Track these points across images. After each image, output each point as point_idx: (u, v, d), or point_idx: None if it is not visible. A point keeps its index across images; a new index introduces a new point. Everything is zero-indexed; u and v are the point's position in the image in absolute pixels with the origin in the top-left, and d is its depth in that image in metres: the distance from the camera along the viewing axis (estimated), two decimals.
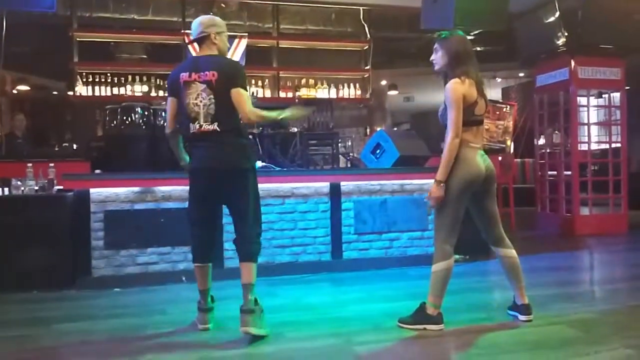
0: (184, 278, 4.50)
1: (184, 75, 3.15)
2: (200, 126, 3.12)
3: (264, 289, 4.30)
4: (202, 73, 3.11)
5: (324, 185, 5.01)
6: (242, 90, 3.11)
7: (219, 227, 3.56)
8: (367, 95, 8.24)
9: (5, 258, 4.34)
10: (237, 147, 3.17)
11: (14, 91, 9.22)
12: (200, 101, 3.10)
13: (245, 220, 3.18)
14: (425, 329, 3.22)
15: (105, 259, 4.51)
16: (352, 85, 8.19)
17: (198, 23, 3.25)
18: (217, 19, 3.31)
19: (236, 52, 7.47)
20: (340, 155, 6.57)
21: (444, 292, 3.28)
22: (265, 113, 3.26)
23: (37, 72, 9.04)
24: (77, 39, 7.27)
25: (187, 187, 3.32)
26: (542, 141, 8.07)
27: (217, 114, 3.10)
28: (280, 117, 3.38)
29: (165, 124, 3.44)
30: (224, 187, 3.16)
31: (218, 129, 3.10)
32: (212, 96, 3.09)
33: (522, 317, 3.38)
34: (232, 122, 3.14)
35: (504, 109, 8.81)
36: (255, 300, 3.14)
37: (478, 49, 9.90)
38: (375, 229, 5.10)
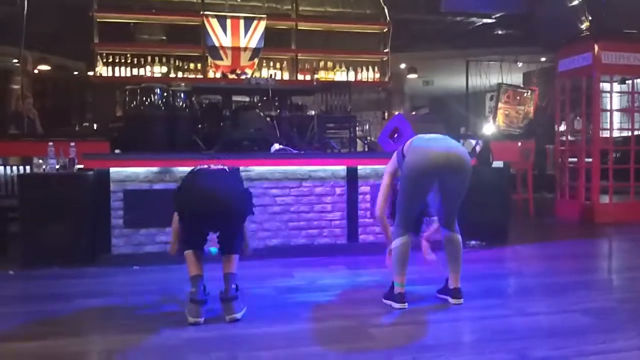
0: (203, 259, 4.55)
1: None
2: None
3: (279, 270, 4.36)
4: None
5: (341, 169, 5.01)
6: None
7: None
8: (386, 79, 8.17)
9: (26, 235, 4.44)
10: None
11: (35, 71, 9.33)
12: None
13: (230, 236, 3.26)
14: (391, 305, 3.35)
15: (125, 237, 4.59)
16: (370, 68, 8.13)
17: None
18: None
19: (255, 34, 7.45)
20: (357, 139, 6.55)
21: (402, 270, 3.37)
22: None
23: (58, 52, 9.13)
24: (98, 20, 7.30)
25: None
26: (563, 127, 7.95)
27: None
28: None
29: None
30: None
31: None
32: None
33: (452, 301, 3.42)
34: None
35: (525, 94, 8.71)
36: (237, 287, 3.18)
37: (499, 32, 9.79)
38: (387, 214, 5.08)
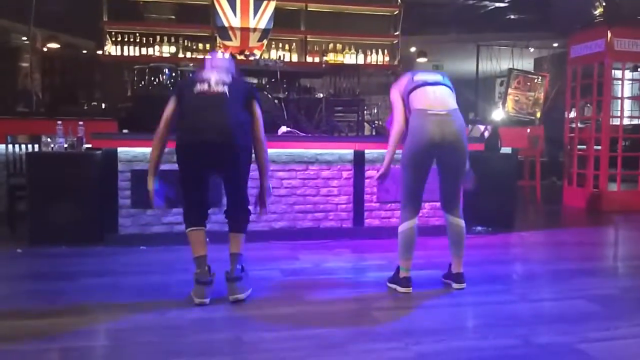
0: (207, 239, 4.57)
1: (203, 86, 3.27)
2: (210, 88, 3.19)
3: (285, 253, 4.38)
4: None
5: (348, 152, 5.00)
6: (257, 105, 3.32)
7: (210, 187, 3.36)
8: (396, 62, 8.11)
9: (35, 213, 4.47)
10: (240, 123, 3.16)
11: (44, 49, 9.32)
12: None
13: (238, 189, 3.23)
14: (396, 289, 3.37)
15: (132, 217, 4.61)
16: (380, 51, 8.06)
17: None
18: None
19: (264, 15, 7.40)
20: (365, 123, 6.53)
21: (408, 254, 3.39)
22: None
23: (67, 30, 9.11)
24: None
25: None
26: (572, 114, 7.88)
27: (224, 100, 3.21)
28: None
29: None
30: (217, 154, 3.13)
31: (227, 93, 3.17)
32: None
33: (455, 285, 3.43)
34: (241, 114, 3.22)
35: (536, 80, 8.62)
36: (242, 268, 3.19)
37: (511, 17, 9.66)
38: (397, 198, 5.07)
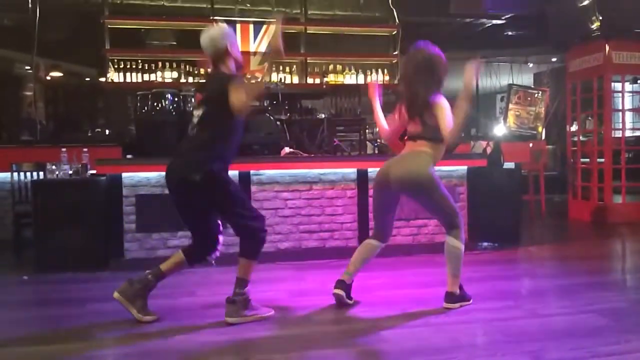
0: (213, 262, 4.56)
1: (198, 95, 3.28)
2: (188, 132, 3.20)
3: (291, 273, 4.37)
4: (203, 94, 3.20)
5: (351, 171, 5.01)
6: (234, 87, 2.99)
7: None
8: (396, 81, 8.16)
9: (40, 240, 4.48)
10: (196, 156, 3.08)
11: (48, 78, 9.43)
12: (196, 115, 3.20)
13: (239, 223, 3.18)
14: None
15: (137, 242, 4.62)
16: (380, 70, 8.13)
17: (209, 39, 3.18)
18: (224, 27, 3.27)
19: (264, 39, 7.48)
20: (367, 142, 6.56)
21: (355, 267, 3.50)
22: (248, 89, 3.05)
23: (69, 59, 9.22)
24: (109, 26, 7.37)
25: None
26: (574, 128, 7.90)
27: (199, 123, 3.14)
28: (263, 69, 3.22)
29: None
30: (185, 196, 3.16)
31: (190, 134, 3.15)
32: (201, 109, 3.15)
33: (443, 304, 3.38)
34: (206, 133, 3.10)
35: (536, 95, 8.67)
36: (241, 293, 3.14)
37: (509, 33, 9.74)
38: (402, 216, 5.08)
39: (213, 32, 3.21)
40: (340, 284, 3.45)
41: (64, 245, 4.45)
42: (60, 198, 4.54)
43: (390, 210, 3.54)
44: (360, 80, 8.00)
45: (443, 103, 3.36)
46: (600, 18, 7.02)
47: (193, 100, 3.24)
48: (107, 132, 7.89)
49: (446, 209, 3.39)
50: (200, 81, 3.00)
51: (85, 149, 4.83)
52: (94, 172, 4.76)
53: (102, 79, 7.43)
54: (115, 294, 3.17)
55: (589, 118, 7.80)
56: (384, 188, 3.42)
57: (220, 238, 3.29)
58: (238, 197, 3.19)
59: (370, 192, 4.99)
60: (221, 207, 3.16)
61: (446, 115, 3.31)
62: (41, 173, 5.04)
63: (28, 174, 5.26)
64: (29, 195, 5.07)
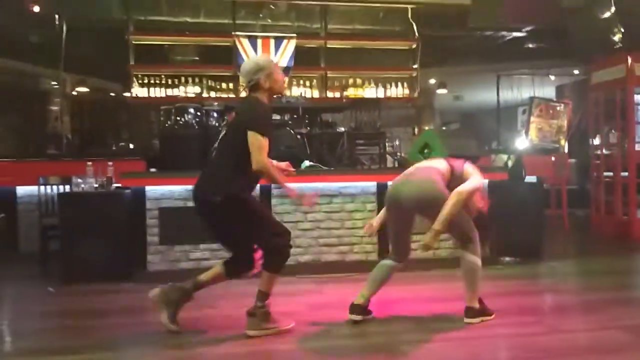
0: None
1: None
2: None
3: (310, 287, 4.38)
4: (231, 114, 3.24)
5: (371, 185, 5.03)
6: (254, 135, 3.05)
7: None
8: (415, 95, 8.18)
9: (66, 252, 4.57)
10: (217, 178, 3.15)
11: (74, 93, 9.66)
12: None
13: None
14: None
15: (160, 254, 4.69)
16: (400, 84, 8.15)
17: (245, 71, 3.26)
18: (262, 60, 3.31)
19: (285, 53, 7.57)
20: (387, 155, 6.56)
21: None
22: (272, 172, 3.16)
23: (95, 74, 9.44)
24: (133, 42, 7.54)
25: None
26: (597, 141, 7.80)
27: (219, 146, 3.24)
28: (284, 186, 3.27)
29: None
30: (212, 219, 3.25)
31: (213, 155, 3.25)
32: (225, 130, 3.28)
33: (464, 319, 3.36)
34: (228, 157, 3.16)
35: (558, 108, 8.58)
36: (262, 306, 3.17)
37: (530, 46, 9.70)
38: (422, 230, 5.06)
39: (250, 63, 3.30)
40: (355, 308, 3.42)
41: (89, 257, 4.52)
42: (86, 211, 4.63)
43: (406, 229, 3.54)
44: (380, 93, 8.03)
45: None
46: (623, 30, 6.97)
47: (227, 118, 3.32)
48: (131, 146, 8.03)
49: (462, 227, 3.39)
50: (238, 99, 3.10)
51: (110, 163, 4.92)
52: (118, 185, 4.86)
53: (127, 94, 7.58)
54: (152, 294, 3.22)
55: (612, 131, 7.70)
56: (396, 207, 3.43)
57: (257, 254, 3.28)
58: (260, 216, 3.21)
59: None
60: (243, 228, 3.19)
61: None
62: (67, 186, 5.15)
63: (55, 187, 5.37)
64: (55, 208, 5.18)
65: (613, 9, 7.08)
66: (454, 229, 3.41)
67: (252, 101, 3.25)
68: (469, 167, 3.48)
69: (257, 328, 3.15)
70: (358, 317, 3.40)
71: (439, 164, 3.48)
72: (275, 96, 3.41)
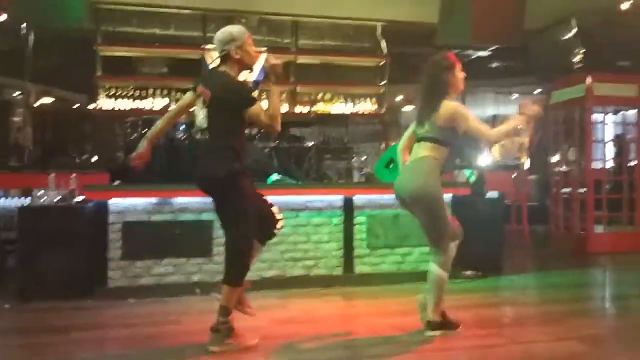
0: (197, 290, 4.56)
1: (199, 88, 3.27)
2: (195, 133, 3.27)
3: (275, 302, 4.37)
4: (204, 88, 3.22)
5: (337, 199, 5.07)
6: (253, 108, 3.17)
7: None
8: (383, 111, 8.30)
9: (24, 268, 4.44)
10: (218, 157, 3.19)
11: (37, 103, 9.46)
12: (197, 112, 3.26)
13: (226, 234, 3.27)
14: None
15: (121, 270, 4.59)
16: (368, 100, 8.26)
17: (217, 40, 3.26)
18: (236, 30, 3.29)
19: (255, 67, 7.57)
20: (354, 170, 6.63)
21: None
22: (274, 108, 3.25)
23: (61, 85, 9.28)
24: (101, 53, 7.46)
25: (204, 199, 3.43)
26: (557, 158, 8.04)
27: (208, 128, 3.22)
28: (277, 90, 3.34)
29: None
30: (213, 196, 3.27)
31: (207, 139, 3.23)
32: (204, 111, 3.21)
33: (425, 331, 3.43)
34: (221, 136, 3.20)
35: (520, 125, 8.82)
36: (225, 321, 3.14)
37: (494, 65, 9.97)
38: (387, 244, 5.14)
39: (224, 32, 3.27)
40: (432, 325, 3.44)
41: (48, 273, 4.37)
42: (46, 224, 4.49)
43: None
44: (349, 109, 8.12)
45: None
46: (583, 51, 7.23)
47: (194, 92, 3.29)
48: (94, 158, 7.90)
49: (439, 230, 3.40)
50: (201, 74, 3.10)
51: (73, 175, 4.83)
52: (81, 198, 4.77)
53: (92, 106, 7.48)
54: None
55: (571, 149, 7.94)
56: (406, 205, 3.49)
57: (275, 208, 3.42)
58: (244, 208, 3.19)
59: (356, 219, 5.07)
60: (228, 211, 3.21)
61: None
62: (27, 199, 5.04)
63: (15, 199, 5.25)
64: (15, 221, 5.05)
65: (574, 30, 7.34)
66: (431, 231, 3.43)
67: (222, 76, 3.24)
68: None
69: (220, 344, 3.12)
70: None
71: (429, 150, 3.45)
72: (246, 70, 3.41)
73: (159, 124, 3.48)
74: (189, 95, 3.35)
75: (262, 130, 6.24)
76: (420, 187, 3.36)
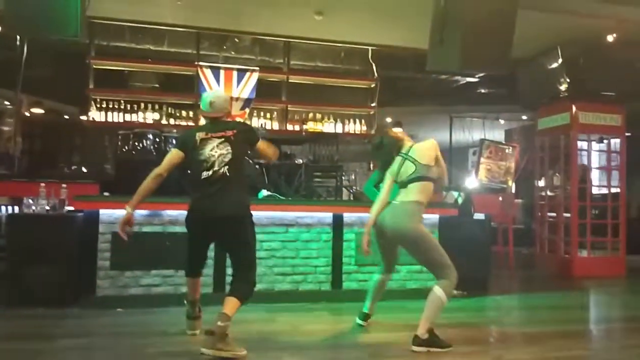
0: (185, 301, 4.56)
1: (201, 134, 3.52)
2: (215, 172, 3.42)
3: (263, 315, 4.39)
4: (221, 132, 3.52)
5: (327, 216, 5.12)
6: (260, 143, 3.73)
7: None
8: (372, 131, 8.41)
9: (13, 275, 4.44)
10: (240, 195, 3.50)
11: (29, 113, 9.45)
12: (216, 152, 3.47)
13: (246, 266, 3.47)
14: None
15: (110, 279, 4.60)
16: (357, 121, 8.38)
17: (222, 101, 3.69)
18: (224, 95, 3.84)
19: (247, 85, 7.69)
20: (343, 188, 6.70)
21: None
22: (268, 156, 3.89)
23: (52, 96, 9.28)
24: (94, 66, 7.51)
25: None
26: (542, 183, 8.19)
27: (230, 162, 3.46)
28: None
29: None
30: (225, 233, 3.47)
31: (228, 174, 3.43)
32: (229, 147, 3.48)
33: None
34: (240, 171, 3.54)
35: (506, 150, 8.99)
36: (223, 326, 3.21)
37: (482, 91, 10.17)
38: (375, 261, 5.16)
39: (224, 97, 3.79)
40: (363, 316, 4.06)
41: (37, 281, 4.39)
42: (35, 233, 4.52)
43: (393, 251, 4.00)
44: (339, 129, 8.23)
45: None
46: (568, 80, 7.42)
47: (210, 134, 3.45)
48: (84, 169, 7.89)
49: (434, 261, 3.61)
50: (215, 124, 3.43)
51: (64, 185, 4.85)
52: (71, 208, 4.78)
53: (83, 117, 7.49)
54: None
55: (556, 174, 8.11)
56: (383, 235, 3.82)
57: None
58: (255, 236, 3.56)
59: (345, 236, 5.13)
60: (242, 246, 3.45)
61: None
62: (17, 207, 5.03)
63: (4, 207, 5.23)
64: (2, 229, 5.03)
65: (560, 60, 7.54)
66: (427, 265, 3.68)
67: (238, 123, 3.86)
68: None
69: (212, 347, 3.15)
70: (364, 323, 4.04)
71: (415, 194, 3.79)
72: None
73: (142, 189, 3.55)
74: (175, 153, 3.56)
75: None
76: (404, 227, 3.71)
